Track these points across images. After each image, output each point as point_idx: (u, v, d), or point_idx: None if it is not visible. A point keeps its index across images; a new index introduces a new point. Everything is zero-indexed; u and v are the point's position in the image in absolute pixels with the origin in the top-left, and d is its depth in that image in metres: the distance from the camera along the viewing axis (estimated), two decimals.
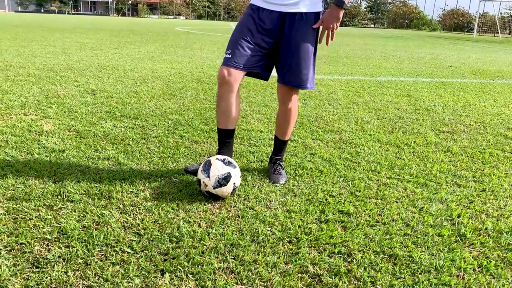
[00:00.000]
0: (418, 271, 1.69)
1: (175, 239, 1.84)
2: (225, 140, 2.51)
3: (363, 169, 2.83)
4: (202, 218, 2.05)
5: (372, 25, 65.74)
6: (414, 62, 10.09)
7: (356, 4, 67.82)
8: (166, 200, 2.21)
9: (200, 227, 1.96)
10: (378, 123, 4.08)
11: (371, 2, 68.72)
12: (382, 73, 7.69)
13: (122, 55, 8.71)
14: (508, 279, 1.67)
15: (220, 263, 1.69)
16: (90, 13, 63.93)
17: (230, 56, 2.32)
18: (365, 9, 68.93)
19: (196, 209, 2.14)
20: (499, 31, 36.46)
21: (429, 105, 4.98)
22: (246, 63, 2.30)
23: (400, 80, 6.88)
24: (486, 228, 2.07)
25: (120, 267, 1.64)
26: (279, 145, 2.70)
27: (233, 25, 35.97)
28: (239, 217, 2.08)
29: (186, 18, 59.43)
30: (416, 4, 62.68)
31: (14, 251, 1.72)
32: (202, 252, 1.76)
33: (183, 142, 3.19)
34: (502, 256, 1.84)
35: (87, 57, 7.98)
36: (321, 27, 2.32)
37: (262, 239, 1.88)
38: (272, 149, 2.89)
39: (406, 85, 6.41)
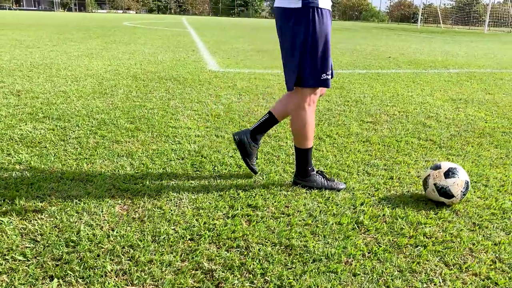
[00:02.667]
0: (310, 260, 1.76)
1: (72, 244, 1.82)
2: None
3: (282, 162, 2.90)
4: (106, 220, 2.03)
5: None
6: (355, 54, 10.36)
7: None
8: (72, 204, 2.17)
9: (102, 230, 1.94)
10: None
11: None
12: None
13: (59, 52, 8.40)
14: (393, 262, 1.77)
15: (114, 265, 1.69)
16: (34, 8, 61.02)
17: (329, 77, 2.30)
18: None
19: (102, 211, 2.11)
20: (441, 21, 38.05)
21: (359, 96, 5.15)
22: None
23: (337, 73, 7.05)
24: (384, 215, 2.18)
25: (7, 276, 1.60)
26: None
27: (184, 19, 35.44)
28: (145, 217, 2.08)
29: (136, 13, 57.99)
30: None
31: None
32: (98, 255, 1.74)
33: (104, 143, 3.14)
34: (393, 240, 1.95)
35: (20, 56, 7.63)
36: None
37: (163, 238, 1.89)
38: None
39: (341, 77, 6.58)
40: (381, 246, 1.88)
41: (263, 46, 11.57)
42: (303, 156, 2.45)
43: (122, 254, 1.75)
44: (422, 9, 40.45)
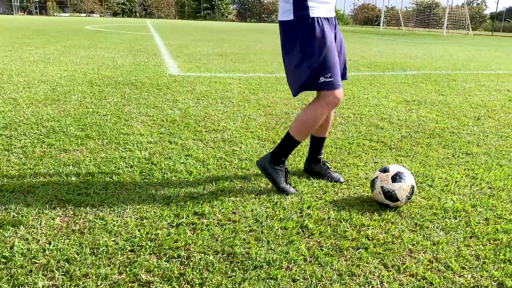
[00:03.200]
0: (250, 267, 1.75)
1: (3, 260, 1.74)
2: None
3: (234, 167, 2.88)
4: (43, 233, 1.96)
5: None
6: None
7: (274, 0, 69.04)
8: (9, 217, 2.09)
9: (38, 244, 1.87)
10: (263, 120, 4.19)
11: None
12: (281, 69, 7.85)
13: (13, 58, 8.11)
14: (333, 266, 1.79)
15: (46, 281, 1.62)
16: None
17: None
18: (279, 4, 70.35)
19: (40, 224, 2.04)
20: (402, 24, 39.14)
21: None
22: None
23: None
24: (329, 218, 2.20)
25: None
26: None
27: (149, 22, 34.99)
28: (85, 229, 2.01)
29: (100, 16, 56.81)
30: None
31: None
32: (30, 271, 1.68)
33: (50, 152, 3.04)
34: (335, 243, 1.96)
35: None
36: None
37: (102, 250, 1.84)
38: None
39: None
40: (323, 250, 1.90)
41: (227, 49, 11.55)
42: (290, 145, 2.50)
43: (57, 269, 1.69)
44: (385, 12, 41.48)
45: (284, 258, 1.83)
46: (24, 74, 6.23)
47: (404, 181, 2.31)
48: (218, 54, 10.11)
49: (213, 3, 60.13)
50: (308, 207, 2.31)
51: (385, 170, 2.38)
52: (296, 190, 2.53)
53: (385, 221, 2.19)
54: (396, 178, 2.31)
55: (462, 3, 37.26)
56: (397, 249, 1.93)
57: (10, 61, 7.66)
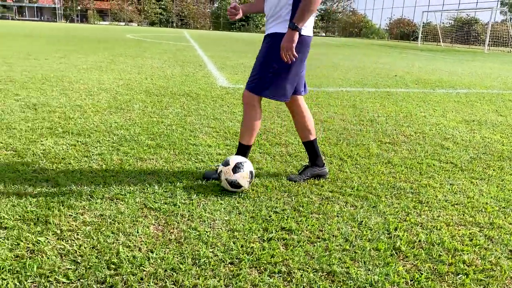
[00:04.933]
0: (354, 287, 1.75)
1: (113, 266, 1.80)
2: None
3: (307, 183, 2.89)
4: (143, 241, 2.02)
5: (323, 34, 67.44)
6: (360, 71, 10.44)
7: None
8: (106, 224, 2.16)
9: (141, 252, 1.93)
10: (323, 135, 4.19)
11: (322, 11, 70.55)
12: (330, 83, 7.89)
13: (68, 65, 8.43)
14: None
15: None
16: (36, 19, 61.36)
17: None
18: (316, 18, 70.63)
19: (138, 232, 2.10)
20: (441, 40, 38.48)
21: (373, 116, 5.17)
22: None
23: (346, 91, 7.10)
24: (419, 241, 2.18)
25: None
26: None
27: (186, 33, 35.70)
28: (181, 239, 2.06)
29: (138, 25, 58.40)
30: (364, 13, 64.92)
31: None
32: (141, 279, 1.73)
33: (128, 160, 3.13)
34: (433, 268, 1.94)
35: (30, 68, 7.66)
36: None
37: (204, 261, 1.88)
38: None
39: (352, 95, 6.62)
40: (422, 274, 1.88)
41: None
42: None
43: (166, 278, 1.74)
44: (422, 27, 40.94)
45: (386, 279, 1.81)
46: (83, 82, 6.46)
47: (243, 169, 2.63)
48: None
49: (247, 15, 60.81)
50: (395, 229, 2.29)
51: (226, 164, 2.67)
52: (377, 210, 2.52)
53: (478, 246, 2.15)
54: (236, 169, 2.62)
55: (502, 20, 36.36)
56: (499, 277, 1.89)
57: (66, 68, 7.96)
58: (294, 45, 2.45)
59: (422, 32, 40.16)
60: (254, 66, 2.73)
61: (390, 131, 4.45)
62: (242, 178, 2.61)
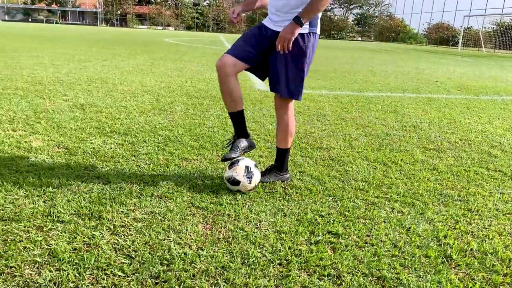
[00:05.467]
0: None
1: (166, 262, 1.85)
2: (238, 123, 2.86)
3: (352, 188, 2.88)
4: (192, 239, 2.06)
5: (359, 38, 66.63)
6: (400, 76, 10.25)
7: (343, 17, 68.76)
8: (156, 221, 2.22)
9: (191, 249, 1.97)
10: (365, 140, 4.15)
11: (358, 15, 69.77)
12: (369, 88, 7.80)
13: (111, 67, 8.71)
14: None
15: (212, 286, 1.70)
16: (78, 22, 63.70)
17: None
18: (352, 22, 69.90)
19: (187, 230, 2.15)
20: (483, 45, 37.24)
21: (415, 121, 5.08)
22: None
23: (387, 96, 6.99)
24: (471, 249, 2.12)
25: None
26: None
27: (222, 37, 36.15)
28: (229, 238, 2.10)
29: (175, 29, 59.58)
30: (402, 17, 63.64)
31: (4, 274, 1.71)
32: (193, 275, 1.77)
33: (173, 160, 3.21)
34: (487, 277, 1.89)
35: (75, 70, 7.96)
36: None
37: (253, 261, 1.90)
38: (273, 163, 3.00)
39: (392, 100, 6.52)
40: (476, 283, 1.83)
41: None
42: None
43: (217, 276, 1.77)
44: (463, 32, 39.75)
45: (438, 287, 1.78)
46: (126, 84, 6.65)
47: (238, 164, 2.61)
48: None
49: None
50: (445, 237, 2.24)
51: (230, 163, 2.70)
52: (425, 216, 2.47)
53: None
54: (231, 165, 2.65)
55: None
56: None
57: (109, 70, 8.22)
58: (293, 38, 2.46)
59: (462, 37, 38.99)
60: (280, 70, 2.66)
61: (434, 138, 4.35)
62: (237, 173, 2.58)
